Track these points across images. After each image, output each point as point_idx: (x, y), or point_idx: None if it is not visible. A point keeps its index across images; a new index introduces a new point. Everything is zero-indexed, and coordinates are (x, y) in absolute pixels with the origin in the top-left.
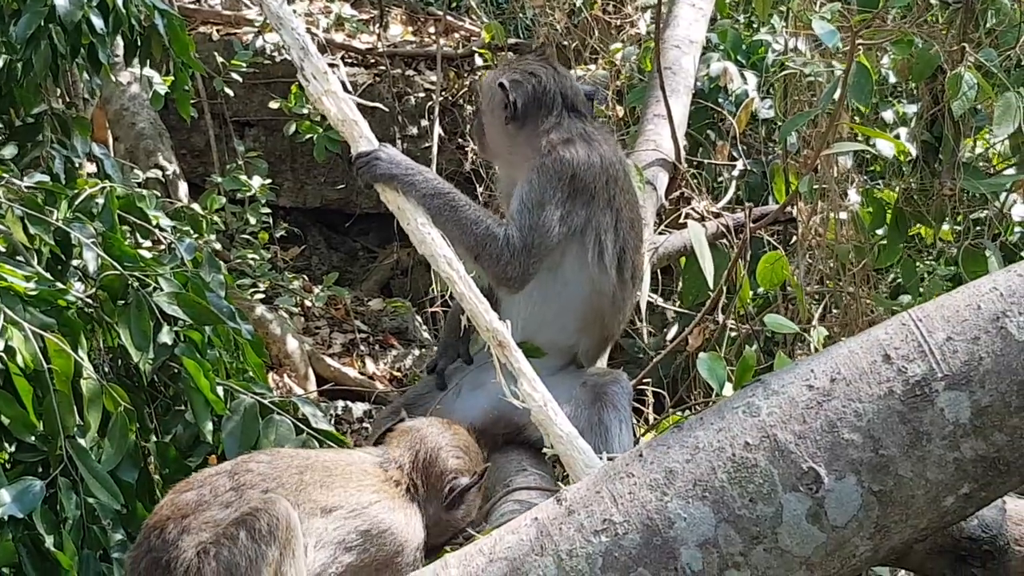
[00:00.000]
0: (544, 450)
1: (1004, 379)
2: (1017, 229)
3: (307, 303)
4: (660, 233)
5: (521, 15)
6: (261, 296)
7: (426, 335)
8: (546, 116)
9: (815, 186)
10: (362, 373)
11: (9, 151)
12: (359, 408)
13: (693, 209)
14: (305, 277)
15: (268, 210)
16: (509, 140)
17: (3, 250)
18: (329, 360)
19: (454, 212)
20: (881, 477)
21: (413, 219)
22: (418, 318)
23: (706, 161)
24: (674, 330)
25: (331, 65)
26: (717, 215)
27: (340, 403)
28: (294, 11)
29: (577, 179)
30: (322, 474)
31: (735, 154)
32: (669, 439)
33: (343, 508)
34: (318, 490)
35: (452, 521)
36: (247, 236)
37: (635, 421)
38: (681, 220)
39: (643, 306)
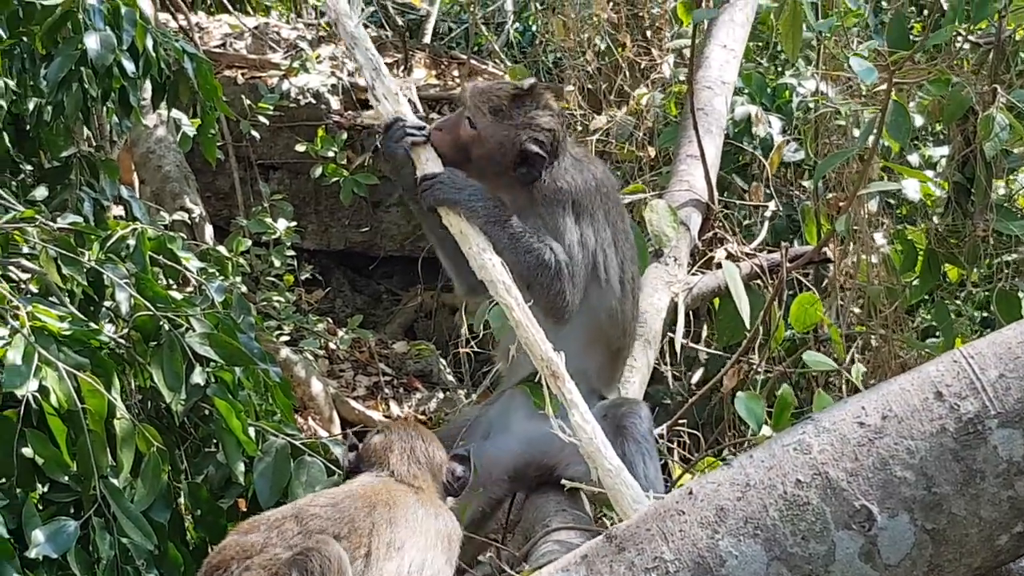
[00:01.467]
0: (564, 481)
1: None
2: None
3: (332, 346)
4: (693, 274)
5: (543, 58)
6: (286, 338)
7: (451, 378)
8: (556, 167)
9: (848, 228)
10: (387, 416)
11: (40, 193)
12: None
13: (726, 250)
14: (329, 320)
15: (293, 253)
16: (497, 178)
17: (37, 291)
18: (353, 403)
19: (512, 241)
20: (934, 515)
21: (475, 244)
22: (442, 361)
23: (737, 202)
24: (699, 373)
25: (402, 87)
26: (750, 256)
27: None
28: (318, 55)
29: (577, 204)
30: (384, 509)
31: (763, 197)
32: (719, 476)
33: (414, 536)
34: (387, 528)
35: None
36: (272, 279)
37: (670, 459)
38: (715, 260)
39: (677, 349)
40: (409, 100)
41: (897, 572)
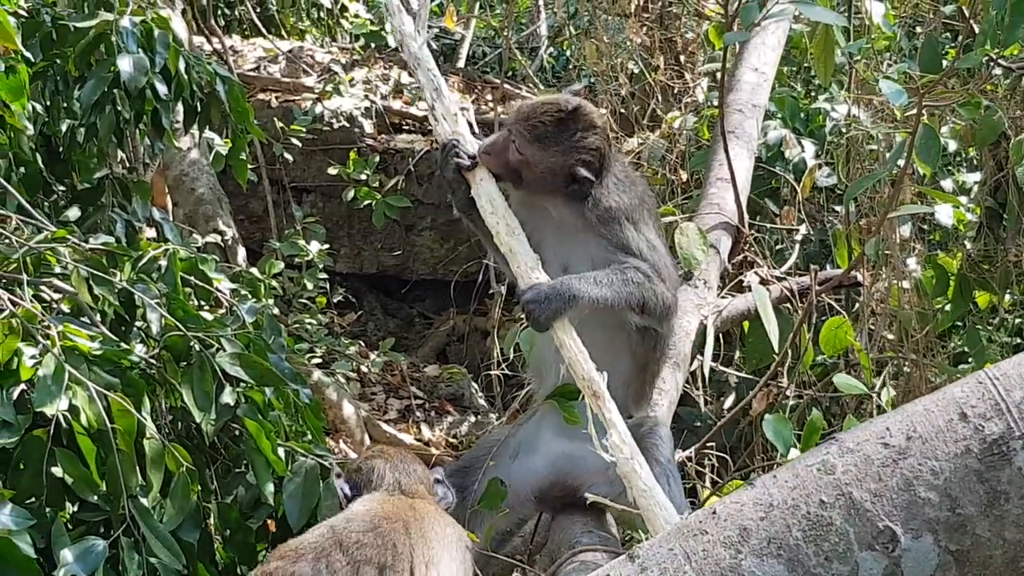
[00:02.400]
0: (587, 494)
1: None
2: None
3: (363, 369)
4: (723, 297)
5: (578, 82)
6: (318, 361)
7: (482, 402)
8: (604, 183)
9: (879, 252)
10: (418, 439)
11: (72, 214)
12: None
13: (756, 273)
14: (361, 343)
15: (325, 275)
16: (553, 193)
17: (68, 310)
18: (385, 426)
19: (611, 287)
20: (958, 536)
21: (573, 350)
22: (474, 385)
23: (768, 225)
24: (732, 398)
25: (461, 109)
26: (780, 279)
27: None
28: (352, 79)
29: (630, 218)
30: (416, 527)
31: (793, 222)
32: (743, 496)
33: (444, 549)
34: (423, 545)
35: None
36: (304, 301)
37: (699, 483)
38: (745, 284)
39: (705, 373)
40: (468, 122)
41: None
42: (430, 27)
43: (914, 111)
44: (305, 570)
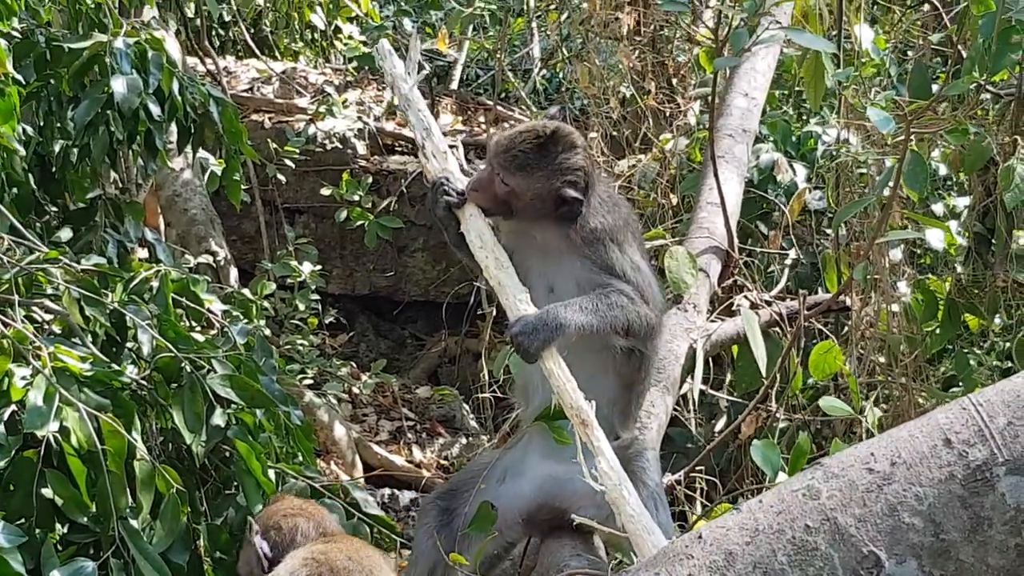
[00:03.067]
0: (574, 516)
1: None
2: None
3: (355, 390)
4: (712, 321)
5: (570, 105)
6: (309, 382)
7: (473, 423)
8: (589, 205)
9: (867, 276)
10: (409, 461)
11: (65, 235)
12: (406, 496)
13: (746, 297)
14: (353, 364)
15: (317, 296)
16: (543, 220)
17: (59, 331)
18: (376, 447)
19: (597, 314)
20: (942, 562)
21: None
22: (465, 406)
23: (758, 249)
24: (722, 421)
25: (451, 146)
26: (769, 303)
27: (386, 491)
28: (345, 100)
29: (615, 239)
30: (373, 552)
31: (784, 245)
32: (728, 521)
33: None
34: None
35: None
36: (296, 322)
37: (688, 507)
38: (735, 307)
39: (695, 396)
40: (458, 160)
41: None
42: (423, 54)
43: (902, 137)
44: None
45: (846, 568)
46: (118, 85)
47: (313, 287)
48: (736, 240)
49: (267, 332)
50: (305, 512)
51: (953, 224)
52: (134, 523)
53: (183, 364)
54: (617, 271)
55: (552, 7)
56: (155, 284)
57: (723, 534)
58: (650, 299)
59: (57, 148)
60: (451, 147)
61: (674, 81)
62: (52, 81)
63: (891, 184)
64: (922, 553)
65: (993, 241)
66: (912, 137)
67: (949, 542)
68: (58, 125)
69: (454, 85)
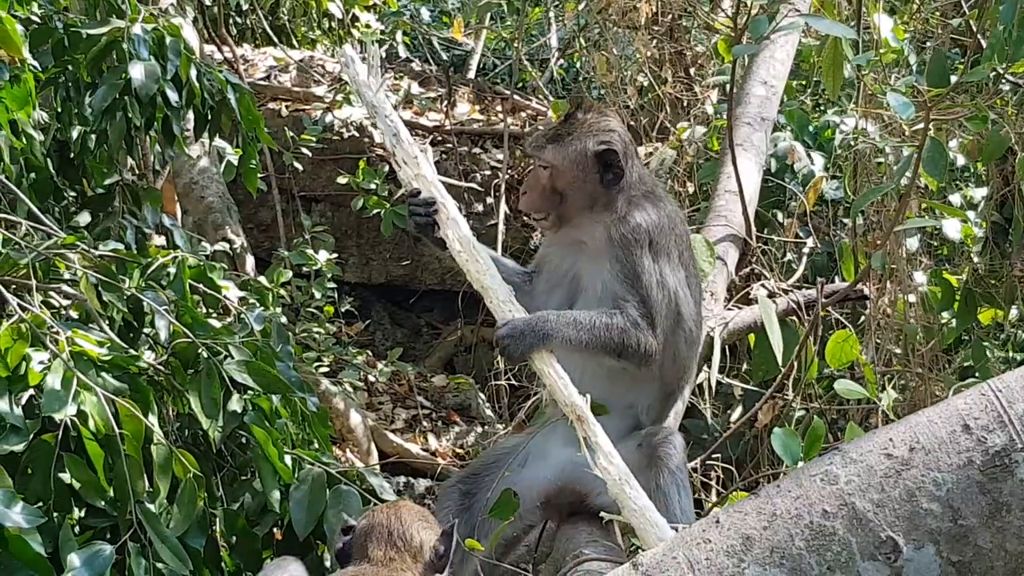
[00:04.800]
0: (602, 514)
1: None
2: None
3: (371, 378)
4: (729, 309)
5: (588, 94)
6: (325, 370)
7: (489, 412)
8: (631, 175)
9: (885, 265)
10: (424, 449)
11: (83, 219)
12: (421, 484)
13: (763, 285)
14: (369, 352)
15: (333, 285)
16: (593, 202)
17: (77, 316)
18: (392, 435)
19: (587, 333)
20: (960, 547)
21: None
22: (481, 395)
23: (775, 238)
24: (739, 410)
25: (421, 150)
26: (787, 292)
27: (402, 479)
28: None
29: (655, 243)
30: None
31: (800, 234)
32: (746, 505)
33: None
34: None
35: None
36: (312, 310)
37: (704, 495)
38: (751, 296)
39: (712, 384)
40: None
41: None
42: (440, 38)
43: (921, 125)
44: None
45: (864, 553)
46: (136, 71)
47: (329, 275)
48: (754, 228)
49: (283, 320)
50: (375, 512)
51: (970, 215)
52: (151, 507)
53: (200, 350)
54: (641, 285)
55: None
56: (172, 270)
57: (741, 518)
58: (658, 324)
59: (75, 134)
60: (421, 150)
61: (692, 70)
62: (70, 67)
63: (910, 172)
64: (940, 538)
65: (1010, 231)
66: (931, 125)
67: (967, 527)
68: (75, 111)
69: (471, 74)
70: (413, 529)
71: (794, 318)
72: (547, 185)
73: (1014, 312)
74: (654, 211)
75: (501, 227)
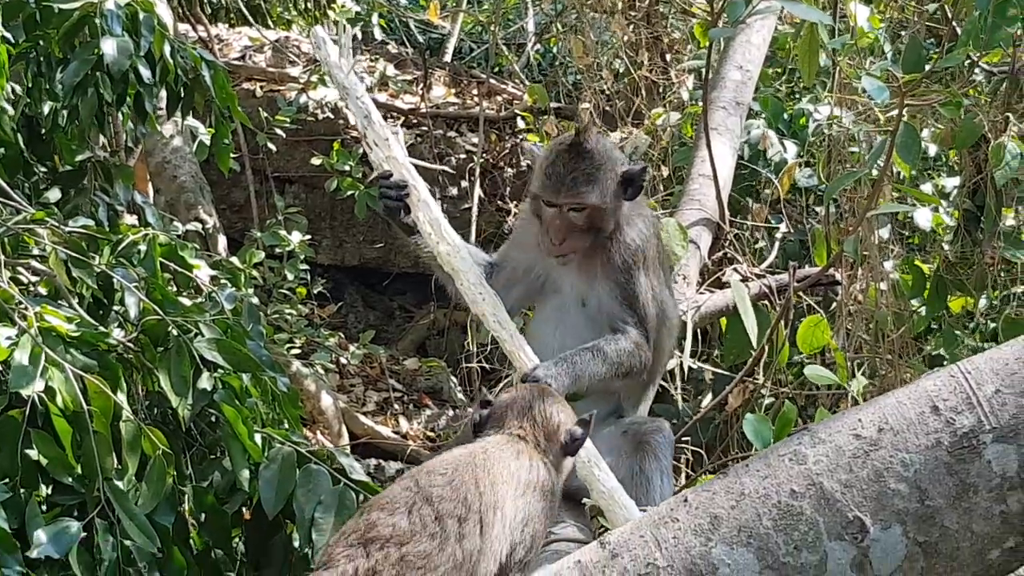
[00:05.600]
0: (584, 501)
1: None
2: None
3: (343, 360)
4: (701, 293)
5: (564, 79)
6: (297, 352)
7: (460, 395)
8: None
9: (857, 251)
10: (396, 432)
11: (53, 196)
12: (392, 467)
13: (736, 270)
14: (341, 335)
15: (306, 266)
16: (610, 221)
17: (46, 292)
18: (363, 418)
19: (600, 364)
20: (927, 528)
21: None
22: (453, 378)
23: (748, 223)
24: (709, 396)
25: (392, 133)
26: (760, 276)
27: (373, 461)
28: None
29: (646, 258)
30: (484, 475)
31: (772, 220)
32: (714, 485)
33: (509, 488)
34: (490, 491)
35: (567, 464)
36: (285, 292)
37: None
38: (724, 279)
39: (684, 369)
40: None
41: None
42: (417, 21)
43: (895, 112)
44: (403, 523)
45: (831, 533)
46: (108, 47)
47: (302, 257)
48: (727, 213)
49: (255, 301)
50: (519, 387)
51: (942, 204)
52: (120, 484)
53: (170, 327)
54: (639, 305)
55: None
56: (143, 248)
57: (709, 498)
58: (652, 336)
59: (46, 109)
60: (393, 133)
61: (668, 56)
62: (41, 42)
63: (883, 157)
64: (907, 519)
65: (982, 219)
66: (905, 111)
67: (934, 508)
68: (47, 86)
69: (447, 57)
70: (553, 409)
71: (766, 303)
72: (583, 225)
73: (984, 301)
74: (642, 223)
75: (475, 211)
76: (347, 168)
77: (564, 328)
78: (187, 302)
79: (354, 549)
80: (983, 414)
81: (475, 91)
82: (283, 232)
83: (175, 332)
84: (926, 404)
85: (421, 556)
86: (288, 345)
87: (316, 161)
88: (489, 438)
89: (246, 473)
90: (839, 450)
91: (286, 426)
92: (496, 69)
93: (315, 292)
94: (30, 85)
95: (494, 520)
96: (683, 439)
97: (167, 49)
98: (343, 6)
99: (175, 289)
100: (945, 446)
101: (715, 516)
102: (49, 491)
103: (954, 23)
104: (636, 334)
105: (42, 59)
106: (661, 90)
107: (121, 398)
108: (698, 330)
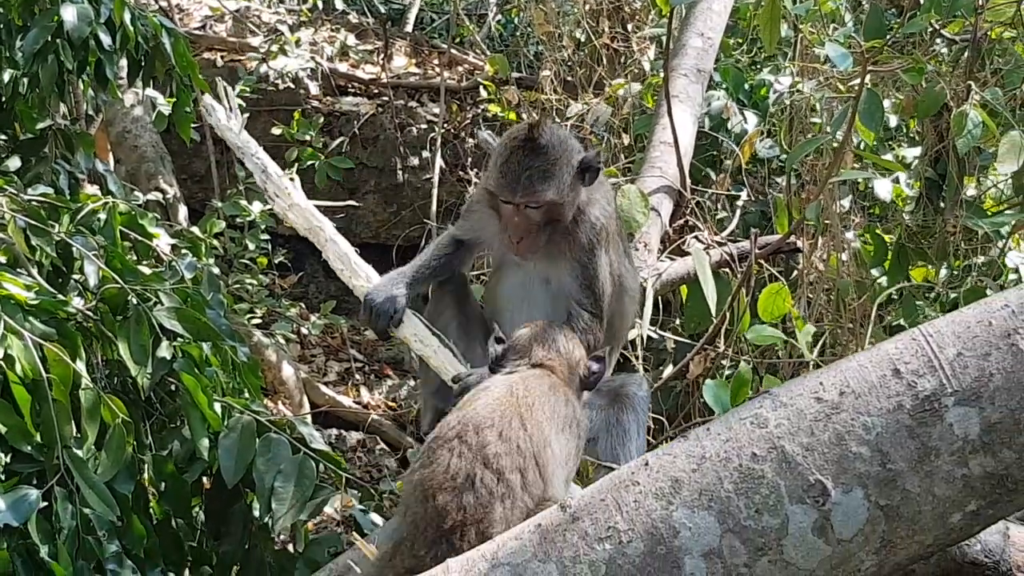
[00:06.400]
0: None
1: (1014, 396)
2: (1012, 276)
3: (304, 331)
4: (663, 260)
5: (525, 50)
6: (258, 322)
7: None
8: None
9: (819, 218)
10: (357, 402)
11: (13, 164)
12: (353, 437)
13: (697, 238)
14: (302, 305)
15: (267, 236)
16: (569, 212)
17: (4, 261)
18: (324, 388)
19: None
20: (888, 491)
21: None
22: None
23: (709, 191)
24: (671, 365)
25: (290, 180)
26: (721, 244)
27: (333, 431)
28: (298, 40)
29: (607, 234)
30: (528, 413)
31: (732, 190)
32: (676, 448)
33: (553, 424)
34: (538, 433)
35: (584, 398)
36: (246, 262)
37: None
38: (685, 247)
39: (643, 337)
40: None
41: (850, 547)
42: None
43: (857, 81)
44: (470, 499)
45: (792, 496)
46: (68, 14)
47: (263, 227)
48: (688, 180)
49: (216, 271)
50: (539, 323)
51: (903, 175)
52: (79, 453)
53: (129, 296)
54: (597, 283)
55: None
56: (103, 216)
57: (670, 461)
58: (605, 314)
59: (6, 77)
60: (291, 180)
61: (629, 25)
62: (1, 9)
63: (846, 124)
64: (868, 482)
65: (944, 187)
66: (868, 78)
67: (896, 472)
68: (7, 54)
69: (408, 28)
70: (572, 343)
71: (727, 270)
72: (542, 221)
73: (945, 271)
74: (604, 200)
75: (436, 180)
76: (308, 138)
77: (530, 304)
78: (147, 271)
79: (438, 547)
80: (945, 377)
81: (436, 61)
82: (244, 202)
83: (135, 301)
84: (888, 367)
85: (499, 521)
86: (249, 315)
87: (277, 131)
88: (519, 372)
89: (206, 442)
90: (800, 413)
91: (246, 395)
92: (457, 39)
93: (276, 262)
94: None
95: (548, 459)
96: None
97: (127, 16)
98: None
99: (135, 258)
100: (907, 409)
101: (676, 479)
102: (8, 459)
103: None
104: (588, 317)
105: (2, 26)
106: (623, 59)
107: (80, 366)
108: (659, 299)
